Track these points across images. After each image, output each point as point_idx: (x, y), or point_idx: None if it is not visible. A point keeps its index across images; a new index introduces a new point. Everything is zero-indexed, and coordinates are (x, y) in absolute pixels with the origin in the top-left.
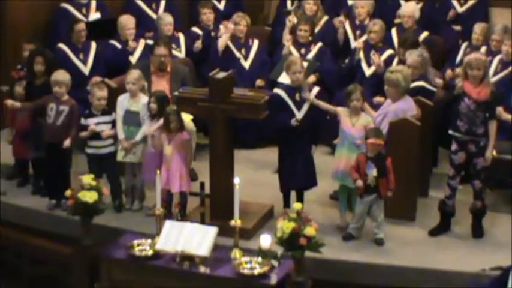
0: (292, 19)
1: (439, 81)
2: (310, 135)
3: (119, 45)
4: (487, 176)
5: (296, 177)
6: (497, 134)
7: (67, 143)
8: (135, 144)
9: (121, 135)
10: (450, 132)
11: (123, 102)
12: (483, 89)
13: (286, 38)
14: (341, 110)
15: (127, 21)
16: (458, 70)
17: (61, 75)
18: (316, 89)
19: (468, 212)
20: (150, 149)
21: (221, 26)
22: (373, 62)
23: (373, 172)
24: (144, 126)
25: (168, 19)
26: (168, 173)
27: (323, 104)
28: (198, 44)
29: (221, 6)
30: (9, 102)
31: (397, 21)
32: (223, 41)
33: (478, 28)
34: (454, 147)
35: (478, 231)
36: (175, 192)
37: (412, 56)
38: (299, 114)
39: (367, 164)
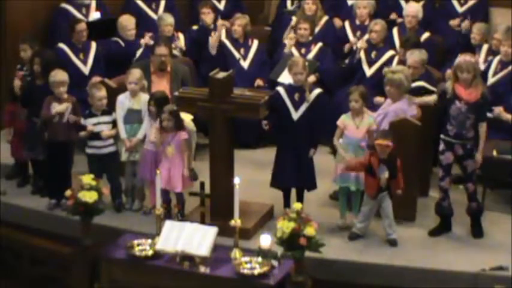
0: None
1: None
2: (308, 137)
3: (122, 44)
4: (487, 176)
5: (284, 176)
6: (497, 134)
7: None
8: (138, 142)
9: (123, 134)
10: (441, 136)
11: (123, 101)
12: (474, 90)
13: (290, 36)
14: (342, 118)
15: (127, 22)
16: (449, 72)
17: (61, 76)
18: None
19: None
20: (147, 148)
21: (218, 23)
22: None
23: (385, 174)
24: (144, 124)
25: (168, 19)
26: (169, 173)
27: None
28: (181, 44)
29: (221, 6)
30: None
31: (398, 21)
32: (214, 39)
33: (475, 28)
34: (441, 147)
35: (477, 232)
36: (176, 192)
37: (413, 56)
38: (296, 115)
39: (379, 167)
